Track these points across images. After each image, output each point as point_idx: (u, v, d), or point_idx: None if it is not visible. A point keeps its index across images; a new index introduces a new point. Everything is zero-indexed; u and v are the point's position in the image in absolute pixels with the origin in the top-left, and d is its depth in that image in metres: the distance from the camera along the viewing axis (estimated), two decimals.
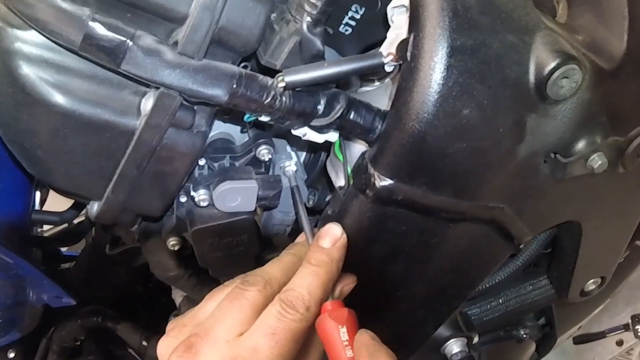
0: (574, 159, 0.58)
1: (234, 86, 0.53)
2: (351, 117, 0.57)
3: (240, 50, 0.55)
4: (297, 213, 0.63)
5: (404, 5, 0.56)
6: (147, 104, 0.54)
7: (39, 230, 1.10)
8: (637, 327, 1.66)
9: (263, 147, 0.66)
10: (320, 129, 0.59)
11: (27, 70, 0.53)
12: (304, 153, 0.73)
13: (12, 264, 0.71)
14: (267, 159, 0.67)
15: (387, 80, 0.66)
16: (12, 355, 1.07)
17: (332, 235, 0.57)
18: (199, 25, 0.50)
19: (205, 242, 0.67)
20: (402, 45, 0.53)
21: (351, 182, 0.60)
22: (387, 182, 0.54)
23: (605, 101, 0.58)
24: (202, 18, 0.50)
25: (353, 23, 0.60)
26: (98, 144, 0.57)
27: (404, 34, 0.55)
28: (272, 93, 0.54)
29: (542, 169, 0.59)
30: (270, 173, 0.69)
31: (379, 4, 0.60)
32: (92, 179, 0.60)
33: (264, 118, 0.56)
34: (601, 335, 1.72)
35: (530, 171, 0.58)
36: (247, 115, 0.57)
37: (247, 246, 0.69)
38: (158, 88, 0.53)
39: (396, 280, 0.63)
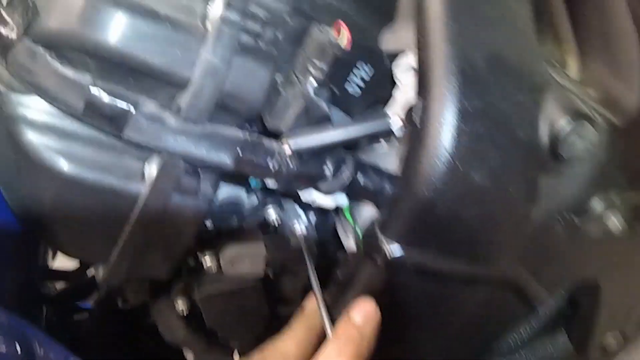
0: (589, 219, 0.56)
1: (239, 152, 0.52)
2: (360, 181, 0.56)
3: (245, 114, 0.54)
4: (308, 276, 0.62)
5: (410, 66, 0.55)
6: (152, 169, 0.53)
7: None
8: None
9: (271, 209, 0.65)
10: (328, 193, 0.58)
11: (31, 137, 0.52)
12: (313, 214, 0.72)
13: (14, 326, 0.70)
14: (275, 222, 0.65)
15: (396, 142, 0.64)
16: None
17: (365, 310, 0.53)
18: (201, 91, 0.50)
19: (213, 307, 0.66)
20: (411, 112, 0.52)
21: (361, 248, 0.59)
22: (397, 248, 0.52)
23: (621, 158, 0.56)
24: (205, 84, 0.50)
25: (362, 84, 0.59)
26: (102, 210, 0.56)
27: (411, 96, 0.54)
28: (278, 158, 0.53)
29: (557, 230, 0.57)
30: (280, 233, 0.68)
31: (388, 63, 0.60)
32: (97, 244, 0.59)
33: (270, 183, 0.55)
34: None
35: (546, 233, 0.56)
36: (254, 182, 0.56)
37: (256, 309, 0.67)
38: (162, 154, 0.52)
39: (408, 347, 0.61)
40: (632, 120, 0.56)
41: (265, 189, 0.67)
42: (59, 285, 1.05)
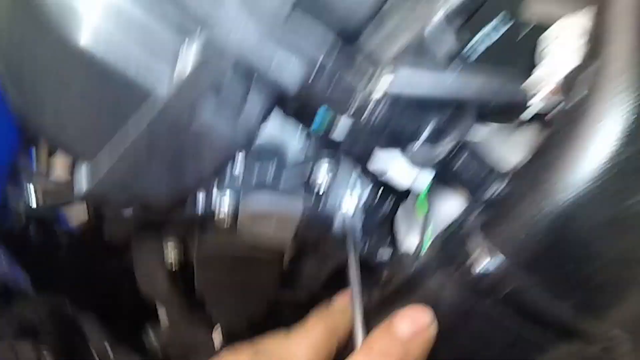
0: None
1: (314, 73, 0.36)
2: (461, 161, 0.41)
3: (338, 23, 0.38)
4: (347, 266, 0.46)
5: (568, 37, 0.40)
6: (187, 60, 0.38)
7: None
8: None
9: (323, 166, 0.49)
10: (415, 163, 0.42)
11: None
12: (368, 189, 0.56)
13: None
14: (324, 184, 0.50)
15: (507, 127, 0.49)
16: None
17: (418, 321, 0.39)
18: None
19: (211, 272, 0.51)
20: (572, 77, 0.36)
21: (425, 247, 0.44)
22: (499, 261, 0.37)
23: None
24: None
25: (495, 36, 0.43)
26: (112, 94, 0.41)
27: (559, 72, 0.39)
28: (369, 89, 0.37)
29: None
30: (323, 202, 0.52)
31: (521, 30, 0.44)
32: (94, 134, 0.44)
33: (338, 131, 0.40)
34: None
35: None
36: (317, 119, 0.40)
37: (262, 288, 0.52)
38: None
39: None
40: None
41: (323, 141, 0.52)
42: None
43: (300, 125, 0.51)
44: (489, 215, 0.38)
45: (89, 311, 0.88)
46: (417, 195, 0.48)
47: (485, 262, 0.37)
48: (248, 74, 0.38)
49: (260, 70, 0.36)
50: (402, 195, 0.58)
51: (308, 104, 0.40)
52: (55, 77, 0.42)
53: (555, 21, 0.41)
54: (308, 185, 0.50)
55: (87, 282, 0.91)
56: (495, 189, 0.41)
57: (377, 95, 0.37)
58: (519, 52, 0.43)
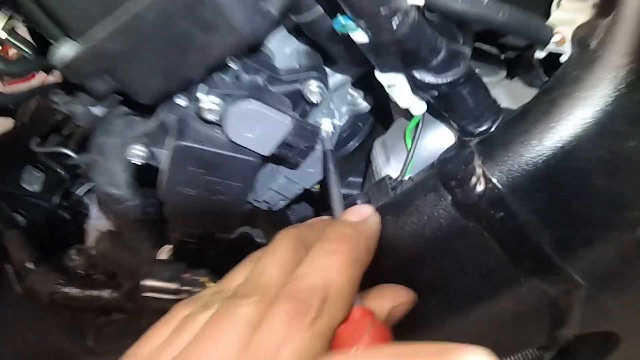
0: None
1: None
2: (465, 91, 0.42)
3: None
4: (327, 182, 0.46)
5: None
6: None
7: None
8: None
9: (314, 82, 0.49)
10: (418, 88, 0.43)
11: None
12: (343, 120, 0.57)
13: None
14: (314, 100, 0.50)
15: (503, 78, 0.51)
16: None
17: (361, 210, 0.41)
18: None
19: (183, 167, 0.49)
20: (586, 28, 0.38)
21: (407, 175, 0.45)
22: (497, 186, 0.38)
23: None
24: None
25: None
26: None
27: (577, 21, 0.41)
28: (395, 6, 0.37)
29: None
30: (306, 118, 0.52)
31: None
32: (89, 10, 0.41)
33: (360, 36, 0.40)
34: None
35: (635, 257, 0.44)
36: (337, 21, 0.40)
37: (231, 198, 0.51)
38: None
39: (431, 308, 0.46)
40: None
41: (314, 55, 0.52)
42: None
43: (293, 38, 0.50)
44: (490, 145, 0.40)
45: (16, 227, 0.84)
46: (405, 125, 0.49)
47: (481, 187, 0.39)
48: None
49: None
50: (373, 131, 0.59)
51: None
52: None
53: None
54: (296, 97, 0.50)
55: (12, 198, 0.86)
56: (493, 122, 0.42)
57: (407, 5, 0.38)
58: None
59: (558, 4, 0.44)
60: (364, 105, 0.56)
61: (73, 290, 0.77)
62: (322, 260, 0.36)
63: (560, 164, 0.38)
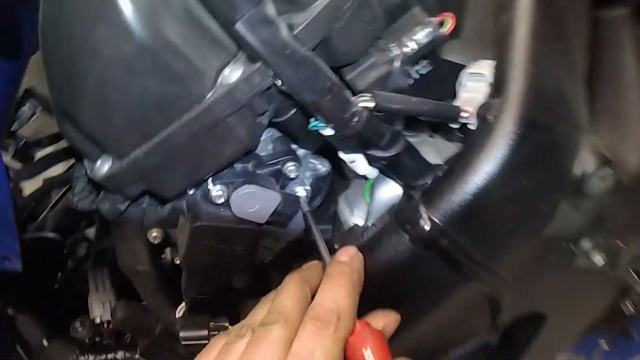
0: (580, 252, 0.63)
1: (326, 90, 0.53)
2: (405, 159, 0.59)
3: (339, 59, 0.55)
4: (311, 236, 0.62)
5: (481, 74, 0.60)
6: (232, 75, 0.52)
7: None
8: None
9: (291, 163, 0.65)
10: (371, 161, 0.60)
11: None
12: (310, 182, 0.73)
13: None
14: (292, 176, 0.66)
15: (428, 136, 0.68)
16: None
17: (348, 251, 0.57)
18: (323, 16, 0.51)
19: (201, 241, 0.64)
20: (485, 107, 0.56)
21: (370, 221, 0.61)
22: (437, 226, 0.55)
23: (618, 208, 0.64)
24: (327, 11, 0.51)
25: (417, 76, 0.63)
26: (158, 95, 0.52)
27: (479, 97, 0.59)
28: (353, 110, 0.54)
29: (551, 254, 0.63)
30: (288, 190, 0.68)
31: (445, 67, 0.64)
32: (130, 131, 0.55)
33: (328, 131, 0.56)
34: None
35: (543, 254, 0.63)
36: (312, 124, 0.56)
37: (237, 259, 0.66)
38: (252, 62, 0.52)
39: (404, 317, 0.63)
40: (634, 180, 0.64)
41: (284, 141, 0.68)
42: None
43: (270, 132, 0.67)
44: (429, 195, 0.57)
45: (26, 310, 0.95)
46: (364, 184, 0.66)
47: (428, 226, 0.56)
48: (275, 95, 0.54)
49: (294, 86, 0.52)
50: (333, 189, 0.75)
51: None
52: (113, 69, 0.51)
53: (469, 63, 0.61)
54: (277, 175, 0.66)
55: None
56: (429, 177, 0.60)
57: (361, 108, 0.54)
58: (443, 84, 0.63)
59: (461, 87, 0.62)
60: (324, 169, 0.72)
61: (89, 359, 0.89)
62: (332, 291, 0.52)
63: (479, 202, 0.55)
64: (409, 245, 0.57)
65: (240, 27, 0.49)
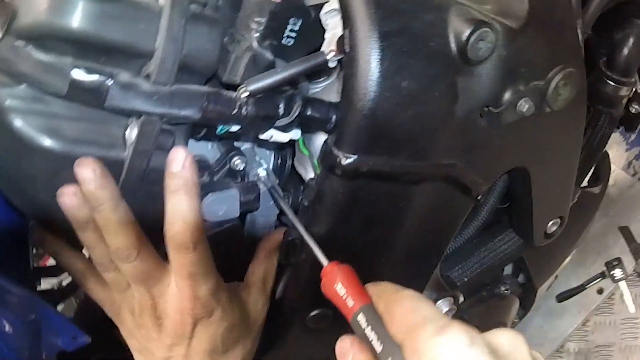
0: (503, 107, 0.67)
1: (205, 103, 0.60)
2: (308, 113, 0.66)
3: (204, 72, 0.63)
4: (280, 207, 0.71)
5: (334, 9, 0.65)
6: (132, 133, 0.61)
7: None
8: (612, 272, 1.75)
9: (236, 158, 0.74)
10: (284, 129, 0.67)
11: (20, 123, 0.58)
12: (272, 160, 0.81)
13: (29, 304, 0.76)
14: (241, 169, 0.74)
15: (333, 77, 0.74)
16: None
17: (177, 157, 0.61)
18: (166, 55, 0.58)
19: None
20: (340, 40, 0.62)
21: (318, 170, 0.68)
22: (352, 158, 0.62)
23: (520, 54, 0.67)
24: (169, 49, 0.58)
25: (294, 35, 0.68)
26: None
27: (339, 32, 0.64)
28: (238, 103, 0.62)
29: (480, 122, 0.68)
30: (247, 180, 0.77)
31: (312, 13, 0.69)
32: None
33: (234, 128, 0.64)
34: (581, 288, 1.81)
35: (470, 126, 0.67)
36: (219, 128, 0.65)
37: (231, 251, 0.76)
38: (139, 117, 0.60)
39: (376, 248, 0.71)
40: (524, 22, 0.67)
41: (226, 142, 0.76)
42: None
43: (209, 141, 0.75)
44: (335, 132, 0.64)
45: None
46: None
47: (345, 161, 0.62)
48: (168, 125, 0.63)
49: (176, 117, 0.60)
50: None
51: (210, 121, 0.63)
52: (50, 180, 0.61)
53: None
54: (233, 175, 0.75)
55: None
56: (333, 118, 0.66)
57: (244, 98, 0.62)
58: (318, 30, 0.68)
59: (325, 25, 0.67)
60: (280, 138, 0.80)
61: None
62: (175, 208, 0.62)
63: (373, 121, 0.61)
64: (342, 183, 0.65)
65: (108, 104, 0.58)
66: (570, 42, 0.72)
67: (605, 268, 1.77)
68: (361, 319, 0.49)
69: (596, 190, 1.30)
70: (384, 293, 0.50)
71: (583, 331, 1.88)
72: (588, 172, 1.09)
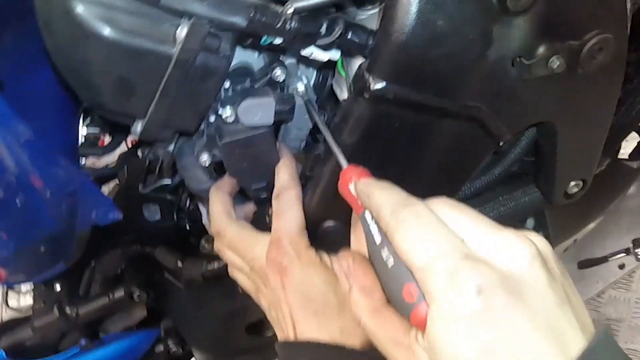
0: (535, 60, 0.70)
1: (252, 14, 0.65)
2: (349, 36, 0.70)
3: None
4: (313, 120, 0.76)
5: None
6: (182, 32, 0.66)
7: None
8: (637, 250, 1.76)
9: (277, 69, 0.79)
10: (325, 48, 0.71)
11: (81, 9, 0.64)
12: (313, 77, 0.86)
13: (67, 175, 0.83)
14: (281, 80, 0.79)
15: (378, 9, 0.77)
16: (58, 287, 1.20)
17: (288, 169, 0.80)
18: None
19: (233, 153, 0.80)
20: None
21: (352, 90, 0.72)
22: (381, 84, 0.66)
23: (560, 12, 0.69)
24: None
25: None
26: (142, 69, 0.68)
27: None
28: (283, 18, 0.66)
29: (510, 71, 0.70)
30: (286, 91, 0.82)
31: None
32: (138, 99, 0.72)
33: (277, 41, 0.69)
34: (604, 259, 1.83)
35: (501, 73, 0.70)
36: (263, 39, 0.69)
37: (268, 154, 0.82)
38: (190, 19, 0.65)
39: (393, 175, 0.75)
40: None
41: (271, 54, 0.81)
42: None
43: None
44: (369, 60, 0.67)
45: (159, 244, 1.21)
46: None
47: (374, 86, 0.67)
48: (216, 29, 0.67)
49: (224, 23, 0.65)
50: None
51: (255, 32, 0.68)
52: (103, 66, 0.68)
53: None
54: (273, 85, 0.80)
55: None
56: (371, 45, 0.70)
57: (289, 14, 0.66)
58: None
59: None
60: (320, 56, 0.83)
61: (215, 265, 1.12)
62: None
63: (405, 52, 0.65)
64: (369, 106, 0.69)
65: (164, 3, 0.64)
66: (614, 9, 0.73)
67: (631, 245, 1.78)
68: (368, 215, 0.55)
69: (635, 165, 1.31)
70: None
71: (597, 302, 1.91)
72: (620, 142, 1.10)
